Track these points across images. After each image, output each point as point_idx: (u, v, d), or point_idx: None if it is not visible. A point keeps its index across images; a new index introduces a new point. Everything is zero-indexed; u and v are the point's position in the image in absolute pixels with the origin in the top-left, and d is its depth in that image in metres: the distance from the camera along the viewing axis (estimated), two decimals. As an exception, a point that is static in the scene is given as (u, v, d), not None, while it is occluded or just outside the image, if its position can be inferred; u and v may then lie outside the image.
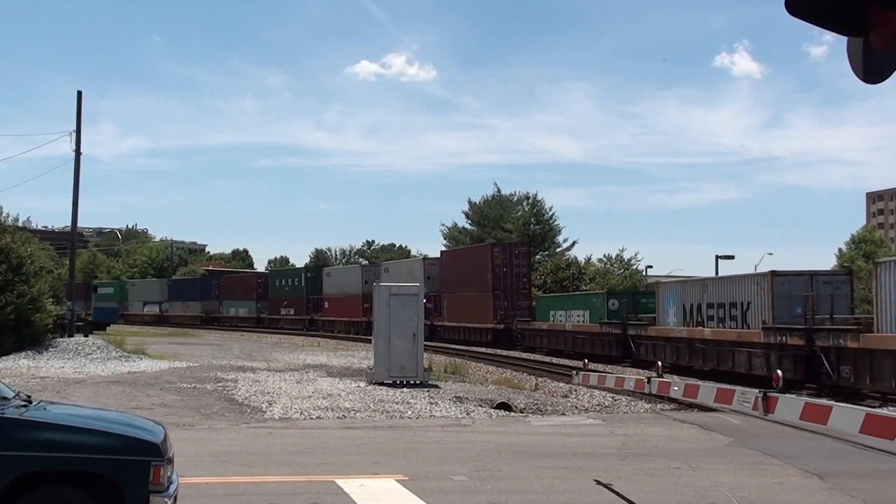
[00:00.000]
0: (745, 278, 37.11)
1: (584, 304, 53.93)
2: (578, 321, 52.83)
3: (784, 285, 33.82)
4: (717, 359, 36.80)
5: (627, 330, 45.85)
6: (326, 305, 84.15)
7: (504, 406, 24.45)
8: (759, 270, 46.24)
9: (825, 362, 29.67)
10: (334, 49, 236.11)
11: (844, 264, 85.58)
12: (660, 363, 31.95)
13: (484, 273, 64.05)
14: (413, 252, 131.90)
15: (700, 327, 38.86)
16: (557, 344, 53.74)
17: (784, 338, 31.84)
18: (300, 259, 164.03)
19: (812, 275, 34.66)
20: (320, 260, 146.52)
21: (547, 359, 48.87)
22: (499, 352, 54.31)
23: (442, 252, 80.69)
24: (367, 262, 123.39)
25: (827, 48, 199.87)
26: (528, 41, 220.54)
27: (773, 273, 34.43)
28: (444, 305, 69.95)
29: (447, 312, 69.37)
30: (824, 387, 29.39)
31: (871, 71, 4.58)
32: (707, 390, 24.64)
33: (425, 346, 51.63)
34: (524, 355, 52.41)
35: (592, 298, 53.86)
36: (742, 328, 35.62)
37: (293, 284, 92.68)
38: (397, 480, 13.34)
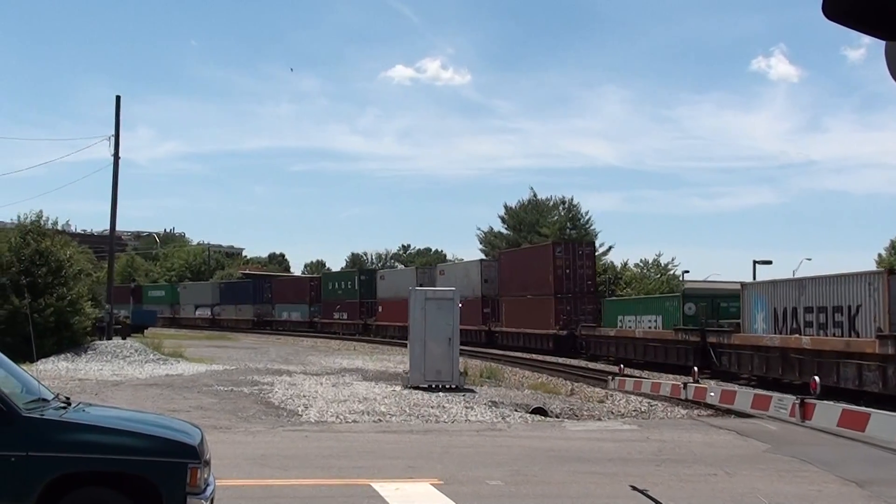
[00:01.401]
0: (854, 277, 31.98)
1: (656, 307, 49.02)
2: (650, 327, 47.98)
3: None
4: (818, 372, 29.79)
5: (707, 337, 40.63)
6: (380, 309, 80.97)
7: (539, 411, 24.42)
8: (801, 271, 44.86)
9: None
10: (369, 54, 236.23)
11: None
12: (696, 368, 31.65)
13: (545, 274, 59.10)
14: (449, 256, 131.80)
15: (796, 335, 33.89)
16: (626, 352, 47.98)
17: None
18: (336, 263, 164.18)
19: None
20: (356, 264, 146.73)
21: (583, 363, 47.80)
22: (534, 357, 53.11)
23: (500, 253, 76.88)
24: (402, 265, 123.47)
25: (865, 51, 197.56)
26: (563, 45, 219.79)
27: (890, 271, 30.29)
28: (503, 310, 65.47)
29: (506, 317, 64.84)
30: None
31: (909, 75, 4.55)
32: (744, 396, 24.54)
33: (481, 353, 51.24)
34: (560, 360, 50.79)
35: (666, 302, 48.77)
36: (850, 336, 30.88)
37: (346, 288, 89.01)
38: (432, 484, 13.37)
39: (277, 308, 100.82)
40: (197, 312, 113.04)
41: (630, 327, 50.13)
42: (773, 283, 38.23)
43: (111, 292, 47.47)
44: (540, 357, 51.99)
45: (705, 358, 40.11)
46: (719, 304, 45.02)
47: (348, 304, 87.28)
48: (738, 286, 41.93)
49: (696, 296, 48.82)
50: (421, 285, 67.44)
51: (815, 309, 33.44)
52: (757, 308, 37.54)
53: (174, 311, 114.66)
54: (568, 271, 58.51)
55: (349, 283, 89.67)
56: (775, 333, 35.59)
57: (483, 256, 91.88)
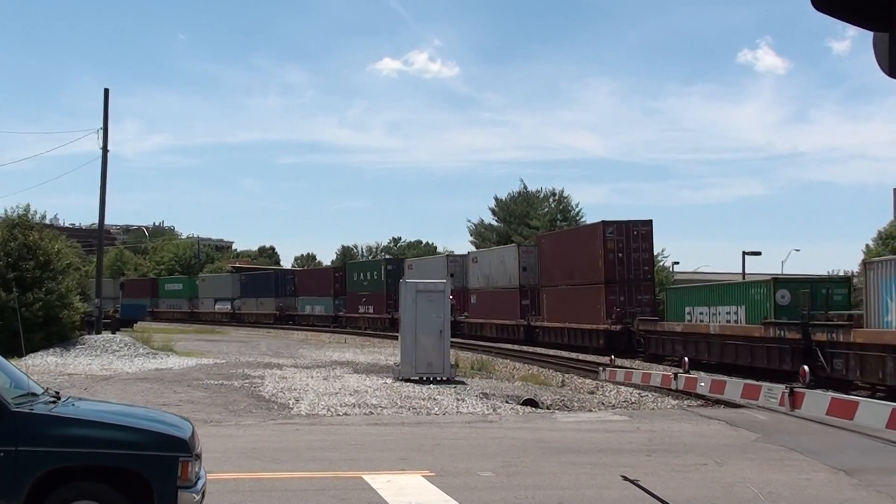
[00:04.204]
0: None
1: (737, 296, 39.88)
2: (729, 320, 39.30)
3: None
4: None
5: (812, 333, 31.62)
6: None
7: (530, 402, 24.45)
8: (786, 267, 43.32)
9: None
10: (357, 46, 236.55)
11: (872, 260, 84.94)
12: (686, 359, 31.53)
13: (594, 260, 50.46)
14: (440, 249, 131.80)
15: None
16: (697, 352, 39.55)
17: None
18: (326, 256, 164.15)
19: None
20: (346, 257, 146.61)
21: (573, 355, 46.30)
22: (525, 348, 52.24)
23: (540, 237, 66.81)
24: (389, 257, 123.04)
25: (850, 43, 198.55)
26: (551, 37, 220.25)
27: None
28: (544, 302, 57.23)
29: (547, 311, 56.72)
30: None
31: (897, 65, 4.56)
32: (734, 386, 24.58)
33: (517, 353, 47.90)
34: (550, 351, 49.10)
35: (751, 289, 39.34)
36: None
37: (372, 278, 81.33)
38: (424, 476, 13.38)
39: (300, 301, 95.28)
40: (216, 306, 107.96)
41: (702, 321, 41.63)
42: None
43: (100, 286, 47.38)
44: (586, 357, 44.88)
45: (808, 359, 30.47)
46: (826, 290, 35.72)
47: (374, 296, 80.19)
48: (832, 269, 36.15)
49: (792, 280, 40.26)
50: (452, 275, 64.11)
51: None
52: (889, 294, 29.15)
53: (193, 305, 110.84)
54: (621, 255, 49.72)
55: (375, 273, 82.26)
56: None
57: (474, 249, 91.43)
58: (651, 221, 51.00)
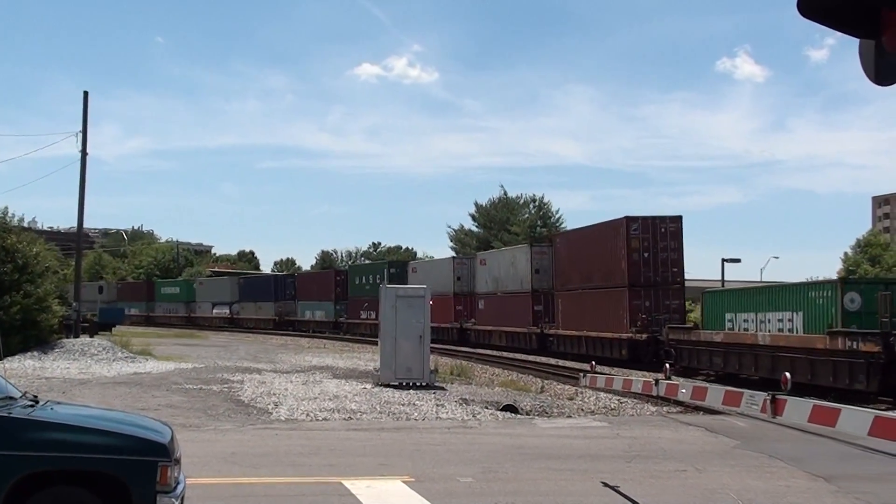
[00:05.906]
0: None
1: (793, 301, 32.73)
2: (782, 329, 32.76)
3: None
4: None
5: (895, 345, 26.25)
6: None
7: (510, 408, 24.42)
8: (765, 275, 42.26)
9: None
10: (336, 51, 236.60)
11: (850, 268, 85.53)
12: (668, 365, 31.48)
13: (615, 260, 45.55)
14: (420, 254, 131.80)
15: None
16: (741, 365, 34.36)
17: None
18: (307, 261, 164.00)
19: None
20: (326, 261, 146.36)
21: (553, 361, 45.80)
22: (509, 354, 51.35)
23: (554, 236, 62.02)
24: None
25: (828, 51, 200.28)
26: (531, 44, 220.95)
27: None
28: (559, 308, 52.25)
29: (562, 317, 51.65)
30: None
31: (882, 73, 4.57)
32: (715, 392, 24.62)
33: (530, 364, 44.03)
34: (530, 358, 47.32)
35: (811, 292, 32.29)
36: None
37: (375, 283, 73.78)
38: (404, 482, 13.35)
39: (301, 306, 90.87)
40: (214, 311, 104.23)
41: (746, 329, 35.24)
42: None
43: (79, 289, 47.14)
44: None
45: (891, 377, 26.35)
46: None
47: (377, 301, 71.95)
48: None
49: (864, 281, 34.94)
50: (459, 278, 63.20)
51: None
52: None
53: (190, 309, 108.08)
54: (646, 255, 44.61)
55: (377, 277, 75.73)
56: None
57: (454, 254, 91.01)
58: (681, 217, 45.98)
